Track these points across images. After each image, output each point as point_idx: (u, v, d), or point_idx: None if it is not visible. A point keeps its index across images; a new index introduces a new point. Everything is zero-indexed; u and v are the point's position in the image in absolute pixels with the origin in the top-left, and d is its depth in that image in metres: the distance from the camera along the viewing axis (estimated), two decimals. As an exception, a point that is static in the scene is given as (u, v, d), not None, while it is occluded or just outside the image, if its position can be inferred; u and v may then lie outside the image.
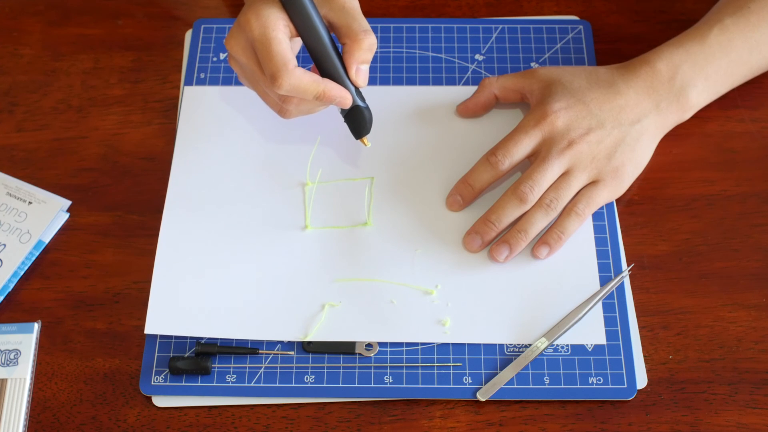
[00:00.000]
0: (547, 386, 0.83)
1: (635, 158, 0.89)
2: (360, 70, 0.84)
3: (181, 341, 0.86)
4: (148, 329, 0.85)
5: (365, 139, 0.87)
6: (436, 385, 0.84)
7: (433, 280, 0.88)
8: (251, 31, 0.81)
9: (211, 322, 0.86)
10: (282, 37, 0.81)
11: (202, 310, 0.87)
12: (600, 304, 0.87)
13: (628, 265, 0.89)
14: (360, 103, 0.86)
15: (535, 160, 0.89)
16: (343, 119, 0.87)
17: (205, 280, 0.88)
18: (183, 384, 0.84)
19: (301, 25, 0.82)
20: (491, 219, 0.88)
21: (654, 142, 0.91)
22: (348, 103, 0.84)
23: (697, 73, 0.90)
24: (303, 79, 0.81)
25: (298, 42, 0.86)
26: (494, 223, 0.88)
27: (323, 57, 0.83)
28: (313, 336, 0.85)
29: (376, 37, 1.01)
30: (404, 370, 0.84)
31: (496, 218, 0.88)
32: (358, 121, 0.86)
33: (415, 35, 1.02)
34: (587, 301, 0.86)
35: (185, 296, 0.87)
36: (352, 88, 0.85)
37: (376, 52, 1.00)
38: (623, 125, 0.89)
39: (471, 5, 1.05)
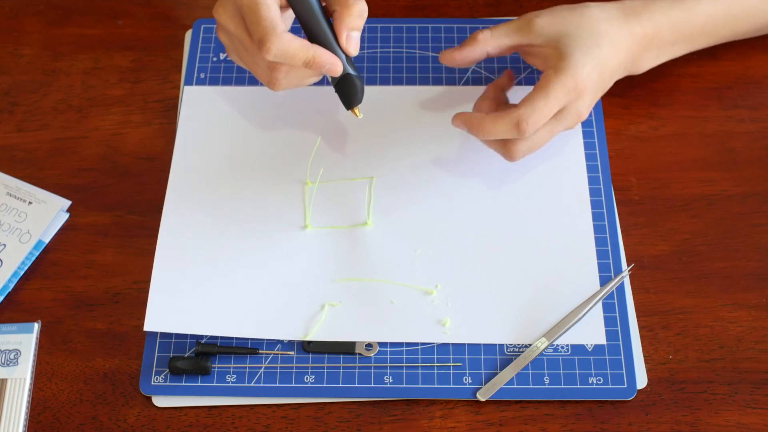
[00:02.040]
0: (547, 386, 0.83)
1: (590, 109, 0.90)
2: (351, 37, 0.82)
3: (181, 341, 0.86)
4: (147, 326, 0.85)
5: (356, 109, 0.85)
6: (436, 385, 0.84)
7: (433, 280, 0.88)
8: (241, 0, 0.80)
9: (210, 321, 0.86)
10: (270, 2, 0.80)
11: (202, 308, 0.87)
12: (600, 304, 0.87)
13: (628, 265, 0.89)
14: (351, 71, 0.84)
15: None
16: (334, 89, 0.85)
17: (205, 279, 0.88)
18: (183, 384, 0.84)
19: None
20: (483, 132, 0.87)
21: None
22: (338, 70, 0.82)
23: (670, 43, 0.91)
24: (292, 44, 0.80)
25: (291, 16, 0.85)
26: (481, 134, 0.88)
27: (313, 24, 0.82)
28: (313, 336, 0.85)
29: (376, 37, 1.01)
30: (404, 370, 0.84)
31: (486, 135, 0.87)
32: (348, 89, 0.84)
33: (415, 35, 1.02)
34: (587, 301, 0.86)
35: (184, 294, 0.87)
36: (343, 56, 0.83)
37: (376, 52, 1.00)
38: (608, 82, 0.90)
39: (471, 5, 1.05)
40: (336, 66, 0.82)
